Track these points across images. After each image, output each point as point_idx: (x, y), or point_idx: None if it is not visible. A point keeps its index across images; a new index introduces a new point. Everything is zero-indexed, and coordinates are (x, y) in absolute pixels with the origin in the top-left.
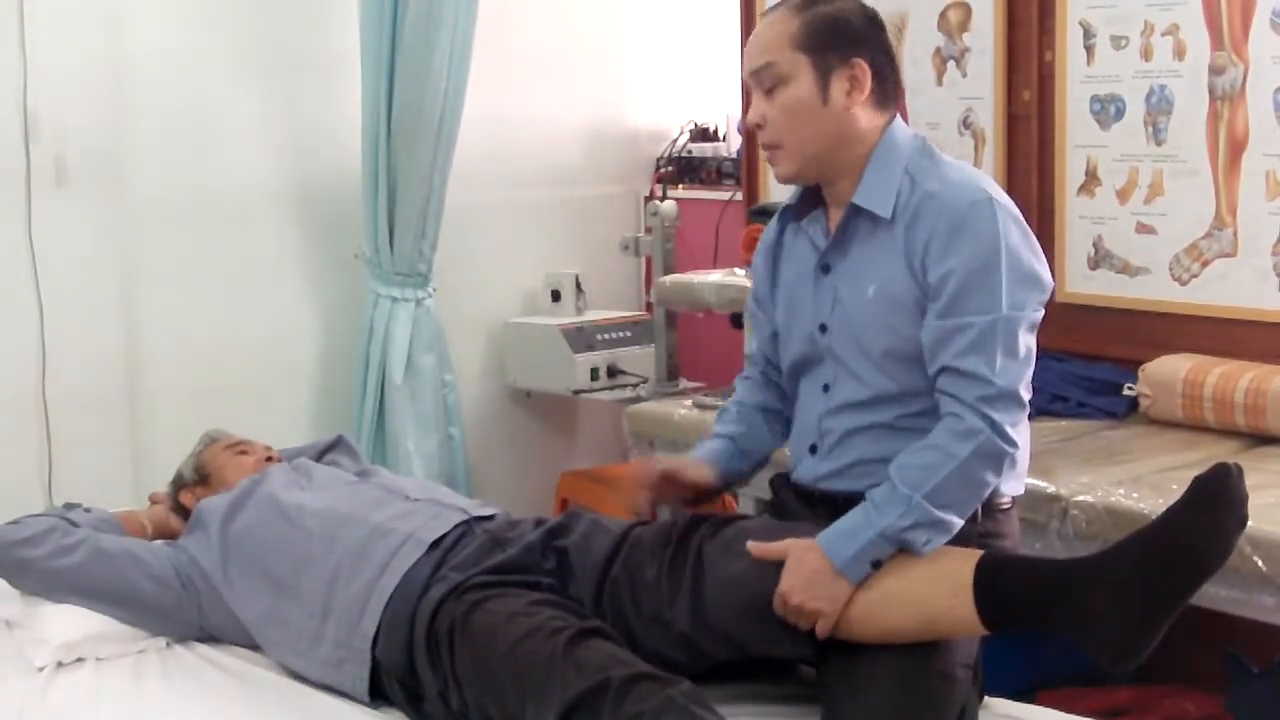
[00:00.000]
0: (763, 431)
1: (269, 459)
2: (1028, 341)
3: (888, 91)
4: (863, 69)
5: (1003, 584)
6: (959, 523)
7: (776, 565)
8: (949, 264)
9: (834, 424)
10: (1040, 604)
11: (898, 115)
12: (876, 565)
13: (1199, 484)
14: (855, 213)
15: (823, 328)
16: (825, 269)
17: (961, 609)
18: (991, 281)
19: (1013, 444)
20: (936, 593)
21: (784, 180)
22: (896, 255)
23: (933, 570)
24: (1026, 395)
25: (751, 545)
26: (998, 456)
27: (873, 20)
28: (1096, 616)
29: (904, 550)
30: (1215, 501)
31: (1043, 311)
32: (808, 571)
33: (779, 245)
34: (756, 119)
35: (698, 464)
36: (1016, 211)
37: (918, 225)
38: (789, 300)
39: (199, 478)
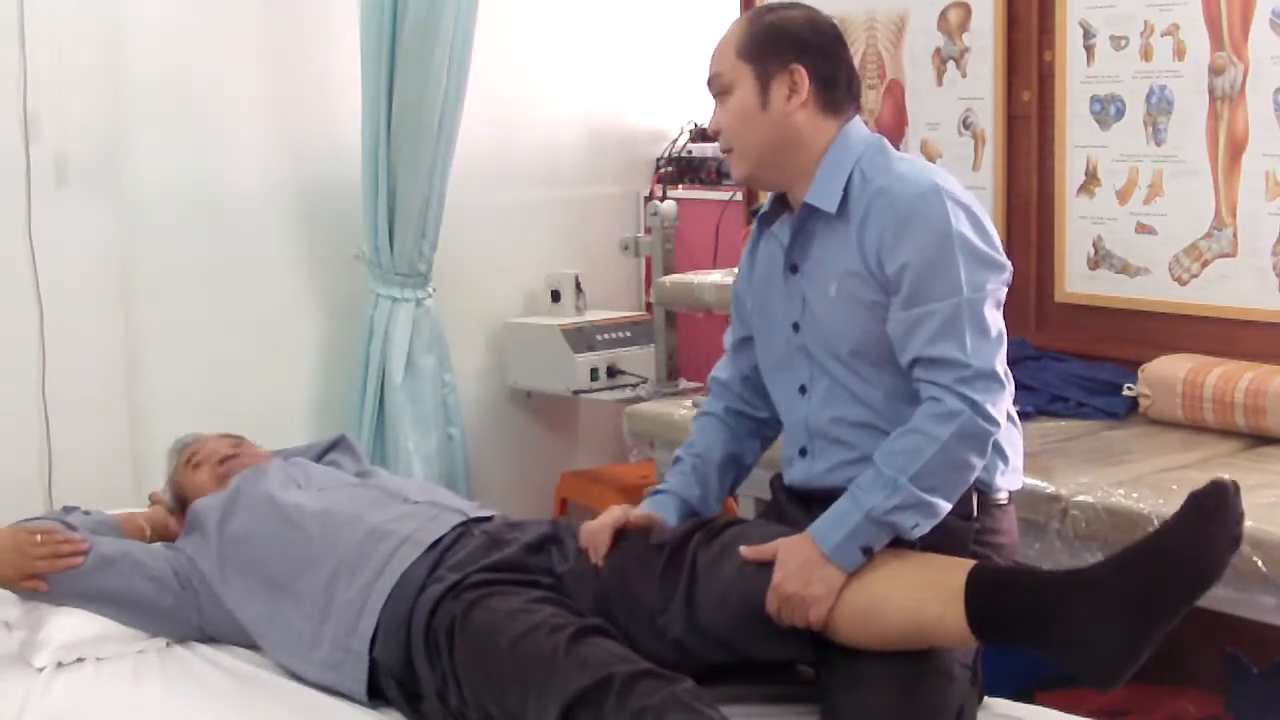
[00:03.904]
0: (714, 489)
1: (222, 461)
2: (995, 320)
3: (837, 98)
4: (800, 74)
5: (994, 597)
6: (945, 506)
7: (770, 566)
8: (903, 256)
9: (819, 425)
10: (1029, 619)
11: (855, 118)
12: (868, 553)
13: (1194, 500)
14: (809, 212)
15: (795, 327)
16: (793, 269)
17: (951, 618)
18: (948, 267)
19: (994, 423)
20: (928, 600)
21: (739, 182)
22: (852, 253)
23: (925, 577)
24: (1004, 373)
25: (743, 549)
26: (980, 437)
27: (820, 29)
28: (1084, 634)
29: (895, 538)
30: (1209, 520)
31: (1005, 290)
32: (799, 561)
33: (755, 250)
34: (714, 125)
35: (645, 515)
36: (968, 200)
37: (869, 222)
38: (763, 303)
39: (179, 505)
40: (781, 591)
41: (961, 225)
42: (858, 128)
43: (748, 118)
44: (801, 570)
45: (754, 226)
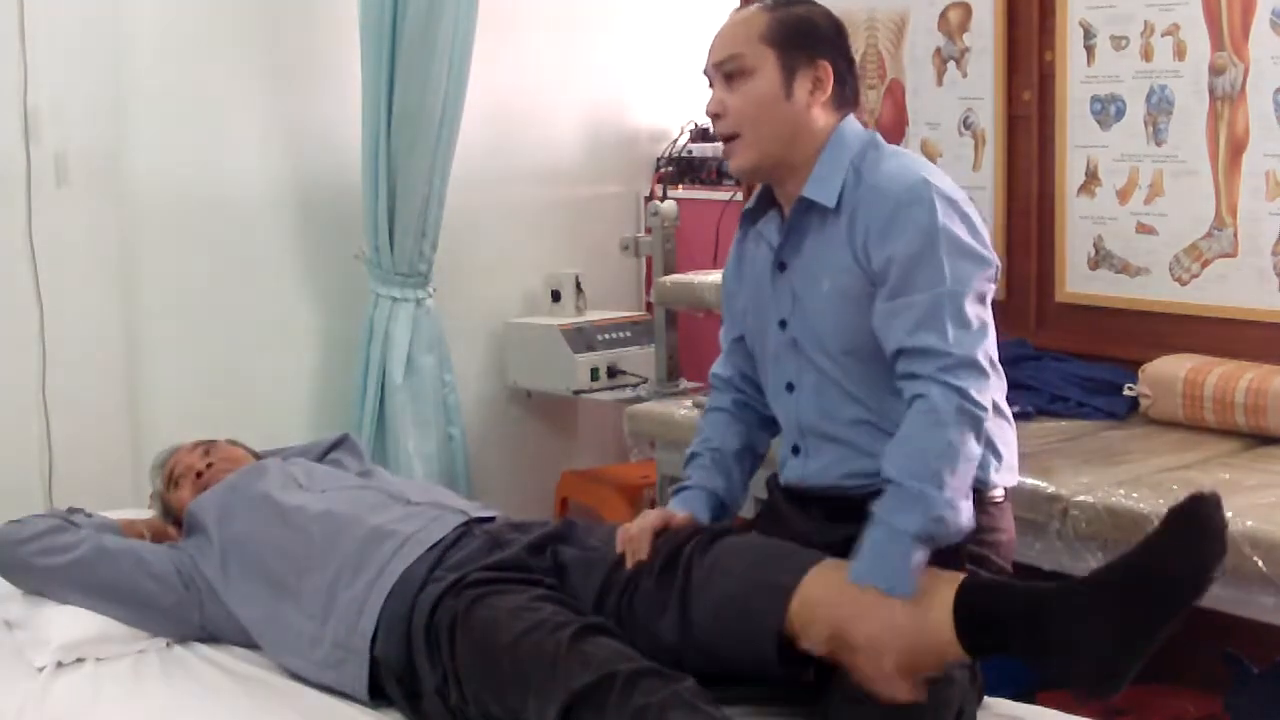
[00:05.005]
0: (737, 479)
1: (199, 475)
2: (978, 313)
3: (846, 95)
4: (826, 70)
5: (984, 610)
6: (967, 501)
7: (766, 585)
8: (889, 249)
9: (810, 422)
10: (1019, 632)
11: (851, 115)
12: (919, 569)
13: (1175, 515)
14: (805, 207)
15: (782, 323)
16: (782, 267)
17: (943, 631)
18: (933, 260)
19: (981, 408)
20: (919, 612)
21: (738, 172)
22: (844, 248)
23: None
24: (987, 364)
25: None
26: (973, 420)
27: (838, 27)
28: (1074, 647)
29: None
30: (1194, 533)
31: (992, 286)
32: (875, 623)
33: (742, 249)
34: (716, 109)
35: (687, 514)
36: (957, 195)
37: (858, 217)
38: (754, 302)
39: (173, 520)
40: (882, 659)
41: (948, 220)
42: (852, 124)
43: (768, 105)
44: (882, 626)
45: (739, 227)
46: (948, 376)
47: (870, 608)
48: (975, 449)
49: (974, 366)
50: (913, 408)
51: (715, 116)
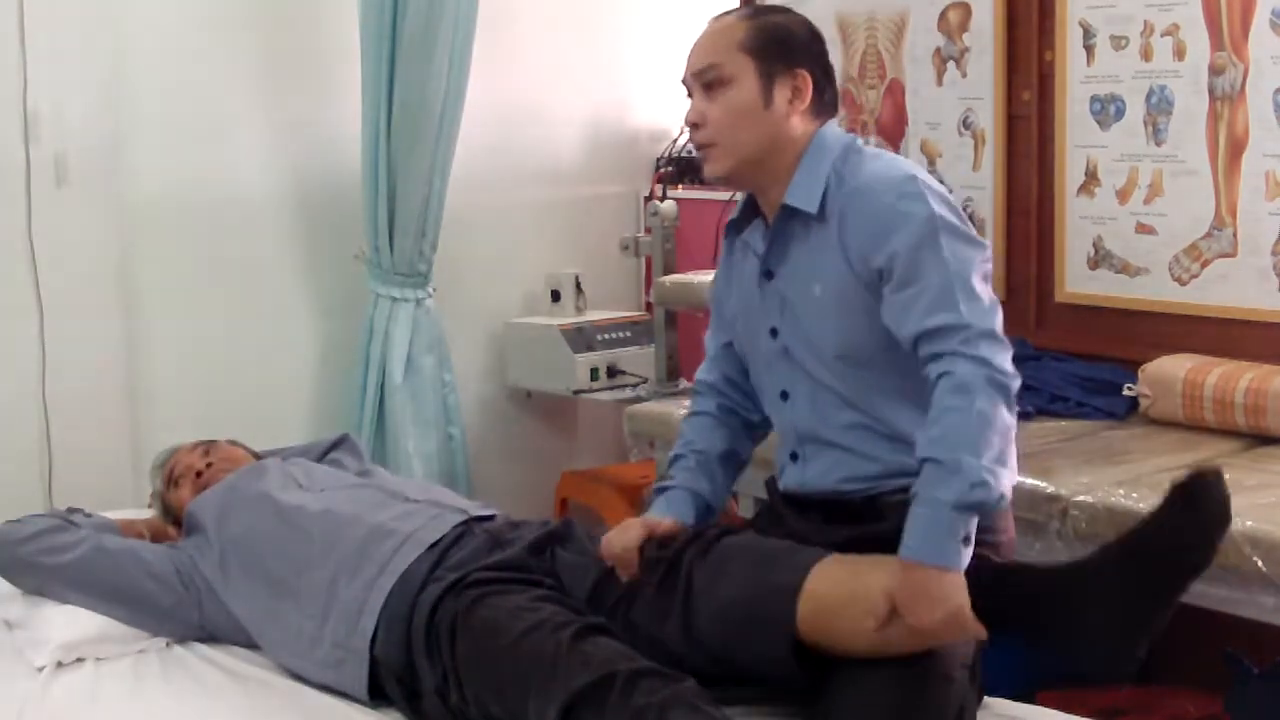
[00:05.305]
0: (721, 483)
1: (199, 474)
2: (985, 291)
3: (825, 103)
4: (805, 79)
5: (989, 594)
6: (1006, 470)
7: (772, 587)
8: (891, 246)
9: (807, 429)
10: (1026, 615)
11: (832, 121)
12: (967, 541)
13: (1177, 489)
14: (788, 215)
15: (774, 331)
16: (769, 275)
17: None
18: (935, 247)
19: (1008, 375)
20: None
21: (712, 177)
22: (834, 253)
23: None
24: (1003, 337)
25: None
26: (1002, 388)
27: (816, 36)
28: (1084, 628)
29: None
30: (1196, 504)
31: (990, 268)
32: (917, 594)
33: (730, 259)
34: (695, 118)
35: (671, 521)
36: (941, 189)
37: (848, 222)
38: (743, 311)
39: (173, 520)
40: (930, 632)
41: (941, 209)
42: (832, 129)
43: (746, 114)
44: (926, 600)
45: (725, 235)
46: (969, 349)
47: (925, 592)
48: (1007, 417)
49: (993, 337)
50: (939, 386)
51: (694, 126)
